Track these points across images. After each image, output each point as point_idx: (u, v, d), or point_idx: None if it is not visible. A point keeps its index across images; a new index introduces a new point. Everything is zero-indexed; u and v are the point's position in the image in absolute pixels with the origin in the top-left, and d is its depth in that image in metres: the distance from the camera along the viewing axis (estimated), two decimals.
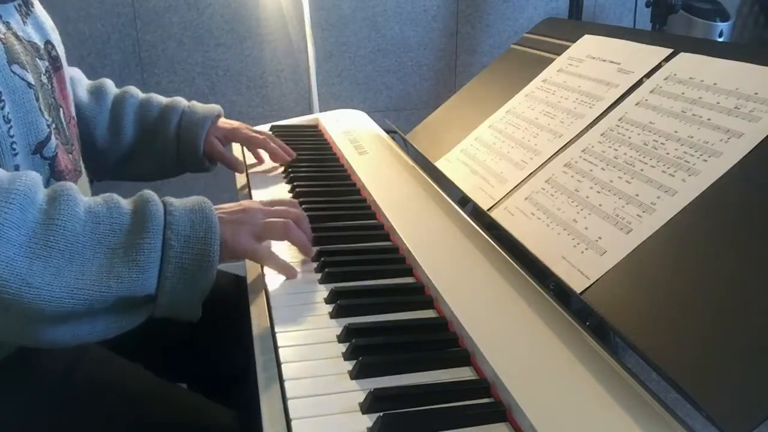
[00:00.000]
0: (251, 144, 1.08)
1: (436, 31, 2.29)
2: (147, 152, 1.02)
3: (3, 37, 0.68)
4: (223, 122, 1.06)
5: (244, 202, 0.73)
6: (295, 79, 2.20)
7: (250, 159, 1.14)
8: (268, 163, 1.12)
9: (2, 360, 0.68)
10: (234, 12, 2.08)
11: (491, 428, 0.50)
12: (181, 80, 2.11)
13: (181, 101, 1.04)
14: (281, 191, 0.99)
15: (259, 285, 0.71)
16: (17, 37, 0.72)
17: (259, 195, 0.98)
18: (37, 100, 0.70)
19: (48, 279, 0.56)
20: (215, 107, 1.05)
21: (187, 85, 2.12)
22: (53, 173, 0.73)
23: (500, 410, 0.51)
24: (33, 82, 0.70)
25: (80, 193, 0.62)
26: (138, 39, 2.04)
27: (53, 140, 0.73)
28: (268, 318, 0.65)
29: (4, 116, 0.65)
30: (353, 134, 1.22)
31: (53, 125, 0.74)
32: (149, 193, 0.65)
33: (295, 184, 1.00)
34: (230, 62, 2.13)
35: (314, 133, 1.29)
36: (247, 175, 1.07)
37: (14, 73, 0.67)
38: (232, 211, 0.70)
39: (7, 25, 0.71)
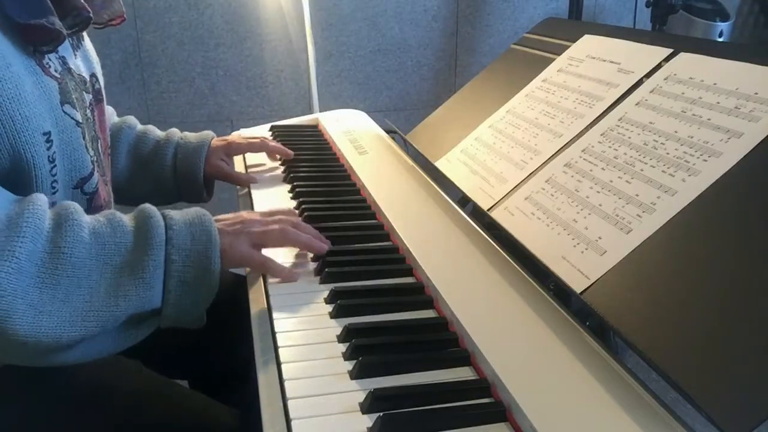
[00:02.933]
0: (252, 151, 1.09)
1: (436, 31, 2.29)
2: (141, 183, 1.01)
3: (59, 76, 0.68)
4: (218, 141, 1.05)
5: (243, 213, 0.74)
6: (295, 79, 2.20)
7: (250, 160, 1.14)
8: (268, 163, 1.12)
9: (5, 366, 0.68)
10: (234, 12, 2.08)
11: (491, 428, 0.50)
12: (181, 80, 2.11)
13: (176, 133, 1.04)
14: (281, 191, 0.99)
15: (259, 285, 0.71)
16: (70, 71, 0.72)
17: (259, 195, 0.98)
18: (84, 137, 0.71)
19: (58, 306, 0.57)
20: (208, 133, 1.04)
21: (187, 85, 2.12)
22: (90, 207, 0.74)
23: (500, 410, 0.51)
24: (81, 120, 0.71)
25: (83, 214, 0.63)
26: (138, 39, 2.04)
27: (96, 176, 0.74)
28: (268, 318, 0.65)
29: (49, 156, 0.65)
30: (353, 134, 1.22)
31: (95, 159, 0.75)
32: (149, 208, 0.66)
33: (295, 184, 1.00)
34: (230, 62, 2.13)
35: (314, 133, 1.29)
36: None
37: (65, 113, 0.68)
38: (231, 223, 0.71)
39: (63, 60, 0.72)
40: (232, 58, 2.13)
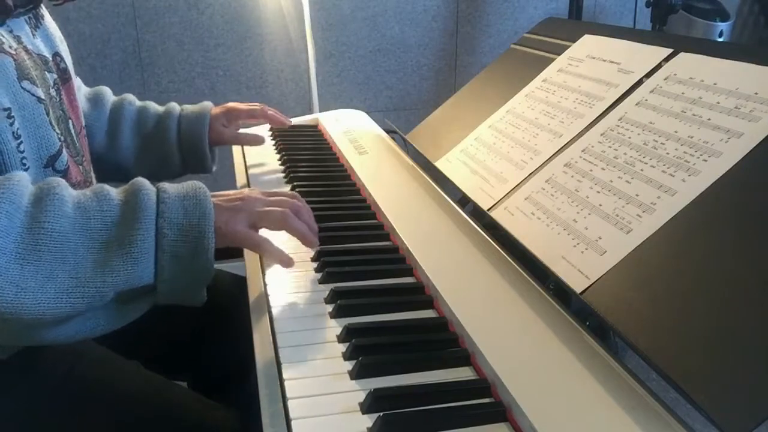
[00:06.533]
0: (252, 116, 1.10)
1: (436, 31, 2.28)
2: (147, 159, 1.03)
3: (14, 53, 0.68)
4: (217, 108, 1.08)
5: (245, 190, 0.72)
6: (295, 79, 2.20)
7: (250, 159, 1.14)
8: (268, 162, 1.12)
9: (3, 361, 0.68)
10: (234, 12, 2.08)
11: (491, 428, 0.50)
12: (181, 80, 2.11)
13: (176, 106, 1.06)
14: (281, 191, 0.99)
15: (259, 285, 0.71)
16: (26, 50, 0.72)
17: None
18: (48, 114, 0.70)
19: (41, 282, 0.55)
20: (207, 103, 1.07)
21: (187, 85, 2.12)
22: None
23: (500, 410, 0.51)
24: (43, 97, 0.70)
25: (68, 188, 0.61)
26: (138, 39, 2.04)
27: (65, 153, 0.73)
28: (267, 318, 0.65)
29: (13, 132, 0.64)
30: (353, 134, 1.22)
31: (62, 137, 0.74)
32: (141, 181, 0.64)
33: (295, 184, 1.00)
34: (230, 62, 2.13)
35: (314, 133, 1.29)
36: (247, 176, 1.07)
37: (24, 89, 0.67)
38: (230, 199, 0.69)
39: (18, 39, 0.71)
40: (232, 58, 2.13)
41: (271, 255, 0.70)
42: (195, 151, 1.03)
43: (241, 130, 1.13)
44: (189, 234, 0.62)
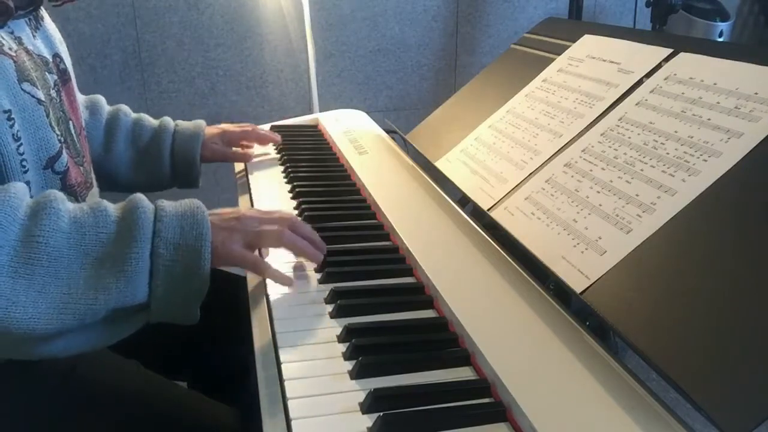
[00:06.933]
0: (246, 137, 1.12)
1: (436, 31, 2.28)
2: (139, 171, 1.04)
3: (14, 55, 0.67)
4: (211, 129, 1.10)
5: (241, 209, 0.72)
6: (295, 79, 2.20)
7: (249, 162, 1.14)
8: (268, 162, 1.12)
9: (3, 361, 0.68)
10: (234, 12, 2.08)
11: (491, 428, 0.50)
12: (181, 80, 2.11)
13: (170, 122, 1.07)
14: (281, 191, 0.99)
15: (260, 285, 0.71)
16: (27, 51, 0.72)
17: (259, 195, 0.98)
18: (48, 115, 0.70)
19: (33, 296, 0.55)
20: (201, 121, 1.09)
21: (187, 85, 2.12)
22: (65, 187, 0.73)
23: (500, 410, 0.51)
24: (43, 98, 0.70)
25: (65, 202, 0.61)
26: (138, 39, 2.04)
27: (64, 154, 0.73)
28: (268, 318, 0.65)
29: (13, 134, 0.64)
30: (353, 134, 1.22)
31: (63, 138, 0.74)
32: (139, 198, 0.64)
33: (295, 184, 1.00)
34: (230, 62, 2.13)
35: (314, 133, 1.29)
36: (247, 176, 1.07)
37: (24, 91, 0.67)
38: (226, 218, 0.68)
39: (18, 40, 0.71)
40: (232, 58, 2.13)
41: (267, 275, 0.69)
42: (186, 168, 1.05)
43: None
44: (184, 254, 0.62)
